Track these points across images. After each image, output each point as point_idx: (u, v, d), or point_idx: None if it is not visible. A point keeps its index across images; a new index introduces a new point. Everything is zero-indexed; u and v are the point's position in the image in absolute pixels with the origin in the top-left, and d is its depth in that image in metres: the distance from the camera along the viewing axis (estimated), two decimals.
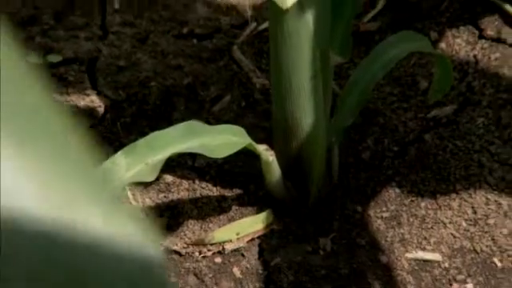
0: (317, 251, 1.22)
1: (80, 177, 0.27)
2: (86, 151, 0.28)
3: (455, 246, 1.22)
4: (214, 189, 1.27)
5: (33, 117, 0.27)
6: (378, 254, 1.23)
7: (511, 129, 1.30)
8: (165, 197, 1.26)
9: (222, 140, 1.14)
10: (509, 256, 1.22)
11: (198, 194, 1.27)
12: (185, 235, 1.22)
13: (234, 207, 1.24)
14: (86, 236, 0.25)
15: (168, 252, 1.27)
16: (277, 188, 1.23)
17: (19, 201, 0.24)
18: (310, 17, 1.11)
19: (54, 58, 1.24)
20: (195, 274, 1.20)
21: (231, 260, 1.21)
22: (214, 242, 1.20)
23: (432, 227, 1.24)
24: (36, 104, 0.28)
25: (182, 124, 1.13)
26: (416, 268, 1.23)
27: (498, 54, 1.27)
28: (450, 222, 1.23)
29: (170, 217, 1.25)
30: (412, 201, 1.24)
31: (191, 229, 1.23)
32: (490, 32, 1.29)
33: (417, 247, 1.22)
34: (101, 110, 1.28)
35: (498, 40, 1.26)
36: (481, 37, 1.27)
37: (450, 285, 1.20)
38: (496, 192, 1.25)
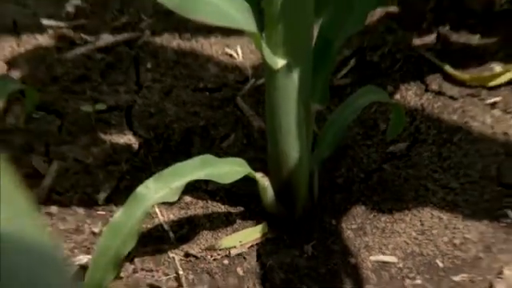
0: (301, 255, 1.27)
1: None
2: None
3: (407, 251, 1.28)
4: (223, 207, 1.33)
5: None
6: (348, 257, 1.28)
7: (449, 161, 1.35)
8: (185, 213, 1.33)
9: (228, 169, 1.21)
10: (448, 258, 1.27)
11: (210, 211, 1.32)
12: (200, 242, 1.27)
13: (237, 221, 1.31)
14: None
15: (187, 255, 1.28)
16: (271, 206, 1.28)
17: None
18: (295, 75, 1.20)
19: (101, 107, 1.38)
20: (208, 273, 1.26)
21: (235, 262, 1.26)
22: (222, 247, 1.26)
23: (390, 236, 1.30)
24: None
25: (198, 157, 1.19)
26: (377, 268, 1.27)
27: (439, 103, 1.38)
28: (403, 232, 1.29)
29: (188, 229, 1.31)
30: (374, 216, 1.30)
31: (205, 237, 1.28)
32: (433, 86, 1.40)
33: (378, 252, 1.27)
34: (136, 146, 1.36)
35: (440, 93, 1.39)
36: (426, 90, 1.39)
37: (404, 281, 1.24)
38: (438, 209, 1.32)
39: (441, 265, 1.27)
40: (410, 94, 1.46)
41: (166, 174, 1.18)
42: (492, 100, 1.44)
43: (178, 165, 1.16)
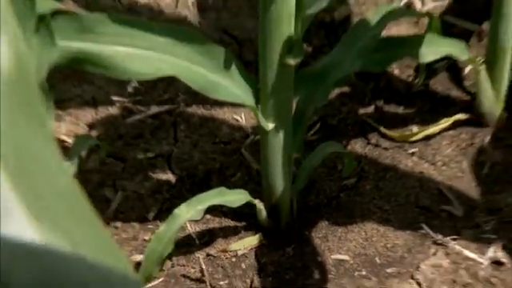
0: (284, 255, 1.43)
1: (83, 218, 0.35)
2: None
3: (356, 252, 1.41)
4: (232, 222, 1.47)
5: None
6: (316, 256, 1.42)
7: (384, 191, 1.47)
8: (206, 226, 1.47)
9: (236, 197, 1.37)
10: (383, 257, 1.42)
11: (223, 225, 1.46)
12: (216, 246, 1.42)
13: (242, 232, 1.45)
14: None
15: (208, 255, 1.44)
16: (264, 222, 1.43)
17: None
18: (281, 134, 1.37)
19: (150, 155, 1.54)
20: (222, 267, 1.41)
21: (240, 260, 1.41)
22: (231, 250, 1.42)
23: (344, 242, 1.43)
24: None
25: (215, 189, 1.36)
26: (336, 264, 1.41)
27: (377, 152, 1.50)
28: (353, 239, 1.43)
29: (208, 237, 1.46)
30: (334, 228, 1.44)
31: (220, 243, 1.43)
32: (373, 141, 1.51)
33: (336, 253, 1.41)
34: (173, 181, 1.49)
35: (377, 145, 1.52)
36: (368, 143, 1.52)
37: (354, 272, 1.39)
38: (377, 224, 1.45)
39: (378, 261, 1.42)
40: (357, 146, 1.57)
41: (194, 200, 1.35)
42: (412, 150, 1.54)
43: (202, 194, 1.36)
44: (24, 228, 0.29)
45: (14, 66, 0.33)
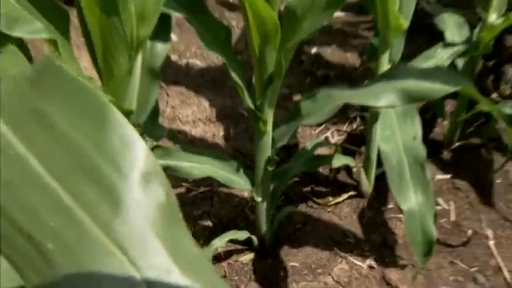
0: (267, 264, 1.55)
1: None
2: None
3: (302, 261, 1.56)
4: (240, 246, 1.59)
5: None
6: (282, 263, 1.54)
7: (316, 230, 1.64)
8: (227, 249, 1.59)
9: (242, 234, 1.51)
10: (315, 264, 1.55)
11: (236, 248, 1.59)
12: (232, 258, 1.57)
13: (245, 251, 1.58)
14: None
15: (228, 263, 1.58)
16: (257, 246, 1.57)
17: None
18: (265, 202, 1.49)
19: (199, 213, 1.64)
20: (236, 270, 1.54)
21: (245, 266, 1.54)
22: (240, 260, 1.55)
23: (296, 256, 1.58)
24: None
25: (232, 231, 1.51)
26: (292, 267, 1.56)
27: (312, 211, 1.65)
28: (300, 255, 1.55)
29: (229, 254, 1.60)
30: (291, 249, 1.58)
31: (234, 257, 1.57)
32: (310, 205, 1.70)
33: (292, 261, 1.55)
34: (211, 225, 1.65)
35: (312, 207, 1.68)
36: (307, 206, 1.68)
37: (301, 272, 1.54)
38: (313, 247, 1.58)
39: (313, 266, 1.56)
40: (302, 208, 1.72)
41: (221, 236, 1.47)
42: (329, 209, 1.69)
43: (225, 233, 1.49)
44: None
45: (166, 195, 0.43)
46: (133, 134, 0.43)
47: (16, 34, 0.75)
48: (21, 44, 0.83)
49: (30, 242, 0.40)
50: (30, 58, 0.93)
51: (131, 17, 0.89)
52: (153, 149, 1.30)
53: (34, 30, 0.77)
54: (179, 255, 0.41)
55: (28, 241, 0.40)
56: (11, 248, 0.40)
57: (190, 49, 2.12)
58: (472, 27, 1.64)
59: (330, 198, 1.70)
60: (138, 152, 0.43)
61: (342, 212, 1.67)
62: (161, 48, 1.12)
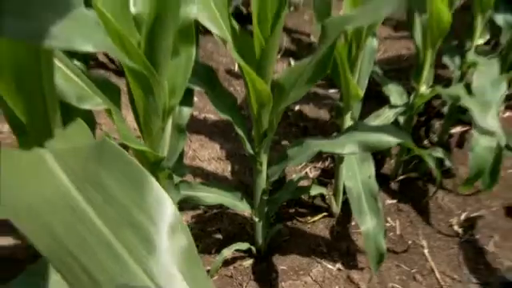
0: (262, 267, 1.50)
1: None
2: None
3: (289, 265, 1.50)
4: (244, 254, 1.54)
5: None
6: (274, 267, 1.50)
7: (298, 241, 1.58)
8: (233, 255, 1.52)
9: (245, 245, 1.47)
10: (298, 266, 1.51)
11: (240, 255, 1.52)
12: (237, 263, 1.51)
13: (247, 258, 1.52)
14: None
15: (234, 267, 1.53)
16: (255, 254, 1.51)
17: None
18: (261, 222, 1.44)
19: (212, 228, 1.56)
20: (240, 271, 1.49)
21: (246, 269, 1.49)
22: (243, 265, 1.50)
23: (284, 261, 1.52)
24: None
25: (237, 243, 1.47)
26: (282, 270, 1.50)
27: (296, 226, 1.65)
28: (288, 260, 1.53)
29: (234, 260, 1.54)
30: (280, 256, 1.53)
31: (239, 262, 1.51)
32: (294, 222, 1.65)
33: (281, 265, 1.51)
34: (222, 238, 1.59)
35: (296, 224, 1.63)
36: (292, 223, 1.60)
37: (287, 273, 1.49)
38: (297, 254, 1.54)
39: (297, 269, 1.51)
40: (288, 224, 1.68)
41: (229, 247, 1.44)
42: (308, 226, 1.65)
43: (232, 245, 1.46)
44: None
45: (187, 241, 0.43)
46: (164, 195, 0.44)
47: (84, 107, 0.76)
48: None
49: (85, 271, 0.41)
50: (93, 120, 0.97)
51: (165, 92, 0.90)
52: (179, 183, 1.23)
53: (96, 103, 0.78)
54: (197, 287, 0.42)
55: (84, 271, 0.41)
56: (70, 273, 0.40)
57: (206, 107, 2.12)
58: (409, 94, 1.64)
59: (309, 218, 1.67)
60: (168, 210, 0.44)
61: (318, 228, 1.64)
62: (186, 111, 1.12)
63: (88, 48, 0.46)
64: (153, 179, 0.45)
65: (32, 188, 0.43)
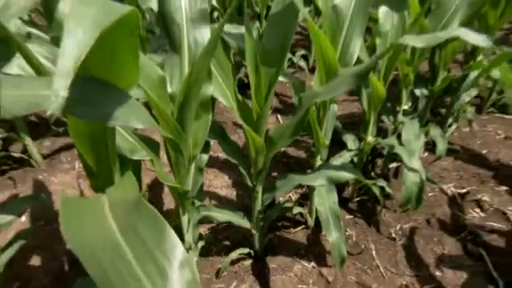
0: (258, 266, 1.41)
1: None
2: None
3: (278, 264, 1.41)
4: (246, 257, 1.45)
5: None
6: (267, 266, 1.41)
7: (278, 250, 1.46)
8: (237, 258, 1.43)
9: (246, 251, 1.39)
10: (285, 264, 1.41)
11: (242, 257, 1.43)
12: (240, 263, 1.42)
13: (247, 258, 1.43)
14: None
15: (239, 266, 1.43)
16: (253, 256, 1.42)
17: None
18: (258, 234, 1.35)
19: (221, 237, 1.50)
20: (242, 270, 1.41)
21: (246, 267, 1.41)
22: (244, 265, 1.41)
23: (275, 260, 1.43)
24: None
25: (240, 249, 1.39)
26: (273, 267, 1.40)
27: (282, 234, 1.52)
28: (277, 260, 1.43)
29: (238, 261, 1.43)
30: (272, 257, 1.44)
31: (242, 262, 1.42)
32: (286, 231, 1.54)
33: (272, 264, 1.41)
34: (230, 245, 1.48)
35: (281, 238, 1.55)
36: (284, 232, 1.52)
37: (278, 270, 1.39)
38: (283, 255, 1.43)
39: (282, 266, 1.41)
40: (277, 234, 1.57)
41: (235, 251, 1.38)
42: (292, 235, 1.54)
43: (237, 250, 1.39)
44: None
45: (192, 275, 0.40)
46: (177, 241, 0.42)
47: (134, 157, 0.78)
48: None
49: None
50: (140, 163, 0.92)
51: (190, 146, 0.90)
52: (199, 206, 1.21)
53: (142, 155, 0.79)
54: None
55: None
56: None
57: (219, 148, 2.01)
58: (360, 141, 1.60)
59: (292, 229, 1.59)
60: (179, 251, 0.42)
61: (298, 237, 1.56)
62: (205, 157, 1.09)
63: (138, 125, 0.49)
64: (171, 229, 0.42)
65: (89, 229, 0.42)
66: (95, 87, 0.48)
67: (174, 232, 0.42)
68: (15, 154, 1.71)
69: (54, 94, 0.34)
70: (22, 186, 1.59)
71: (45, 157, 1.70)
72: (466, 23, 1.20)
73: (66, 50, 0.34)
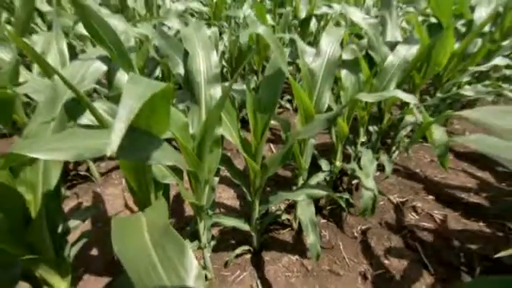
0: (255, 261, 1.35)
1: None
2: None
3: (273, 258, 1.35)
4: (246, 251, 1.37)
5: None
6: (262, 261, 1.35)
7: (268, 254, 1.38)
8: (240, 253, 1.37)
9: (247, 247, 1.32)
10: (276, 257, 1.36)
11: (245, 252, 1.36)
12: (242, 257, 1.34)
13: (248, 253, 1.36)
14: None
15: (241, 259, 1.37)
16: (252, 252, 1.35)
17: None
18: (256, 240, 1.31)
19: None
20: (245, 264, 1.34)
21: (247, 259, 1.35)
22: (245, 257, 1.33)
23: (271, 255, 1.37)
24: None
25: (242, 246, 1.34)
26: (267, 259, 1.35)
27: (272, 239, 1.46)
28: (270, 255, 1.37)
29: (242, 258, 1.37)
30: (266, 250, 1.37)
31: (243, 258, 1.35)
32: (276, 232, 1.47)
33: (267, 257, 1.35)
34: (237, 252, 1.38)
35: (279, 234, 1.49)
36: (275, 233, 1.46)
37: (275, 263, 1.33)
38: (275, 251, 1.36)
39: (279, 258, 1.35)
40: (270, 235, 1.50)
41: (238, 248, 1.32)
42: (281, 236, 1.48)
43: (240, 247, 1.32)
44: None
45: (203, 284, 0.38)
46: (193, 259, 0.41)
47: (165, 181, 0.77)
48: (167, 185, 0.82)
49: None
50: (169, 185, 0.89)
51: (205, 172, 0.89)
52: (212, 215, 1.16)
53: (170, 179, 0.79)
54: None
55: None
56: None
57: (225, 171, 1.85)
58: (331, 164, 1.53)
59: (281, 231, 1.53)
60: (195, 267, 0.41)
61: (285, 236, 1.50)
62: (216, 179, 1.07)
63: (170, 163, 0.48)
64: (190, 251, 0.41)
65: (131, 242, 0.41)
66: (138, 137, 0.50)
67: (192, 253, 0.42)
68: (81, 172, 1.77)
69: (112, 144, 0.37)
70: (85, 196, 1.60)
71: (101, 174, 1.73)
72: (401, 82, 1.24)
73: (121, 115, 0.37)
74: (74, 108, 0.62)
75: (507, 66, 1.68)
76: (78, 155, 0.39)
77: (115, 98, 0.72)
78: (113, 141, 0.36)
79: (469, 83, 1.74)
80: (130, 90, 0.37)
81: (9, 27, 1.34)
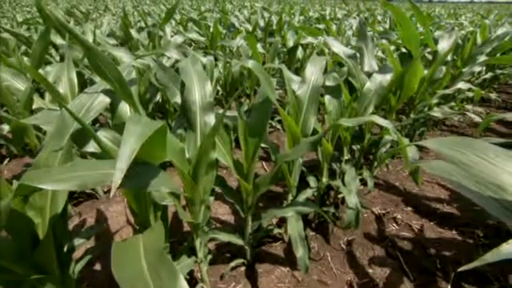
0: (250, 271, 1.32)
1: None
2: None
3: (268, 269, 1.33)
4: (240, 264, 1.35)
5: None
6: (261, 266, 1.33)
7: (262, 256, 1.37)
8: (235, 265, 1.34)
9: (241, 260, 1.30)
10: (272, 257, 1.35)
11: (240, 264, 1.35)
12: (238, 269, 1.31)
13: (242, 266, 1.34)
14: None
15: (239, 271, 1.33)
16: (246, 264, 1.33)
17: None
18: (248, 247, 1.27)
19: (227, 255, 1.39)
20: (238, 273, 1.32)
21: (242, 270, 1.33)
22: (240, 269, 1.31)
23: (265, 262, 1.35)
24: None
25: (237, 259, 1.32)
26: (268, 271, 1.32)
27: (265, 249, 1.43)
28: (263, 265, 1.35)
29: (232, 270, 1.33)
30: (262, 265, 1.34)
31: (240, 268, 1.33)
32: (269, 245, 1.42)
33: (262, 264, 1.33)
34: (234, 265, 1.36)
35: (271, 247, 1.45)
36: (268, 246, 1.43)
37: (269, 268, 1.32)
38: (268, 264, 1.35)
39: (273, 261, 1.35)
40: (263, 248, 1.46)
41: (234, 261, 1.29)
42: (273, 249, 1.45)
43: (235, 260, 1.29)
44: None
45: None
46: (184, 284, 0.40)
47: (163, 203, 0.78)
48: (165, 207, 0.82)
49: None
50: (167, 206, 0.89)
51: (200, 193, 0.90)
52: (208, 231, 1.09)
53: (169, 201, 0.80)
54: None
55: None
56: None
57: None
58: (318, 181, 1.50)
59: (273, 244, 1.49)
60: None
61: (277, 249, 1.46)
62: (211, 199, 1.05)
63: (166, 190, 0.49)
64: (181, 277, 0.40)
65: (128, 264, 0.42)
66: (138, 168, 0.51)
67: (183, 279, 0.42)
68: (87, 191, 1.77)
69: (115, 180, 0.39)
70: (90, 212, 1.58)
71: (105, 192, 1.71)
72: (379, 105, 1.29)
73: (123, 152, 0.39)
74: (81, 137, 0.64)
75: (469, 89, 1.83)
76: (82, 185, 0.40)
77: (118, 127, 0.74)
78: (116, 177, 0.37)
79: (438, 104, 1.79)
80: (131, 128, 0.39)
81: (25, 59, 1.41)
